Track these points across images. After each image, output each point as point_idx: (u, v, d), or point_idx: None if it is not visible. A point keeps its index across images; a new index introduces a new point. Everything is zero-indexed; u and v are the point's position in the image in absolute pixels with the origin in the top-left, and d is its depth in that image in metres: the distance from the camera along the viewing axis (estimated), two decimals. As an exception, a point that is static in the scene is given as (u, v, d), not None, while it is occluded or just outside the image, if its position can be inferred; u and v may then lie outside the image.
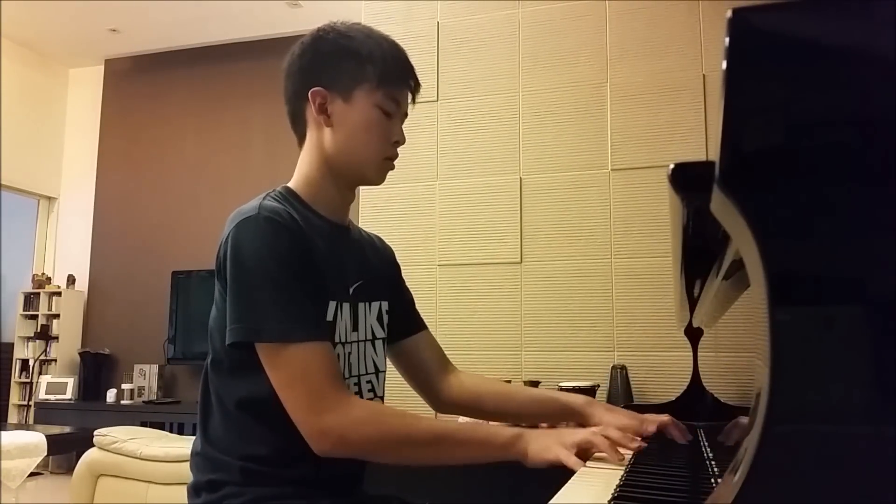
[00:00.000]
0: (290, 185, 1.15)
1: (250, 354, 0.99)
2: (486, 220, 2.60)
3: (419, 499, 1.23)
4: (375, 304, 1.20)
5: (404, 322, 1.29)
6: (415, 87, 1.17)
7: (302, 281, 1.00)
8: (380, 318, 1.21)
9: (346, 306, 1.12)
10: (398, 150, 1.16)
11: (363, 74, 1.11)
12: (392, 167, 1.17)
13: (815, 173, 0.42)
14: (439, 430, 1.01)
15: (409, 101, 1.18)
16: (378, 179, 1.16)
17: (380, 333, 1.21)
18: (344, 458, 0.99)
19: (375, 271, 1.24)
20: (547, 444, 0.97)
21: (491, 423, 1.34)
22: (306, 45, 1.14)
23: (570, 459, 0.94)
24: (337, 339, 1.09)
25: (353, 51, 1.11)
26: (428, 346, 1.33)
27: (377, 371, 1.19)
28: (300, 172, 1.15)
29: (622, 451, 0.99)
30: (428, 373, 1.31)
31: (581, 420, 1.21)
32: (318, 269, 1.05)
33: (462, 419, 1.45)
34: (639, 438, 1.04)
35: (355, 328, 1.14)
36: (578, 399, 1.25)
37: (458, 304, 2.59)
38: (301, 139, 1.16)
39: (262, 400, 1.00)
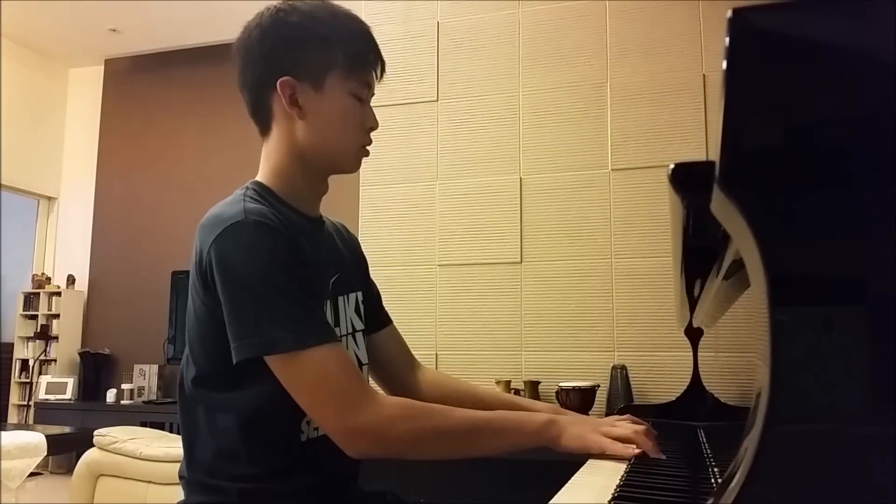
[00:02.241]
0: (260, 178, 1.08)
1: (242, 368, 0.94)
2: (486, 220, 2.60)
3: (414, 496, 1.23)
4: (352, 296, 1.15)
5: (373, 316, 1.24)
6: (381, 68, 1.10)
7: (303, 283, 0.96)
8: (357, 310, 1.16)
9: (328, 302, 1.08)
10: (372, 135, 1.10)
11: (333, 60, 1.04)
12: (367, 154, 1.11)
13: (815, 173, 0.42)
14: (475, 420, 0.97)
15: (376, 81, 1.11)
16: (353, 168, 1.11)
17: (359, 326, 1.16)
18: (379, 457, 0.94)
19: (348, 262, 1.20)
20: (583, 432, 0.95)
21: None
22: (266, 28, 1.05)
23: (627, 451, 0.92)
24: None
25: (321, 35, 1.04)
26: (395, 340, 1.29)
27: (360, 364, 1.15)
28: (269, 166, 1.08)
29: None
30: (394, 368, 1.27)
31: None
32: (309, 270, 1.01)
33: None
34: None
35: (337, 323, 1.09)
36: (544, 407, 1.24)
37: (458, 304, 2.59)
38: (265, 130, 1.09)
39: (254, 414, 0.96)
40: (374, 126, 1.10)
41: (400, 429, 0.92)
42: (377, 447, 0.93)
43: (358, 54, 1.06)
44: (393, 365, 1.27)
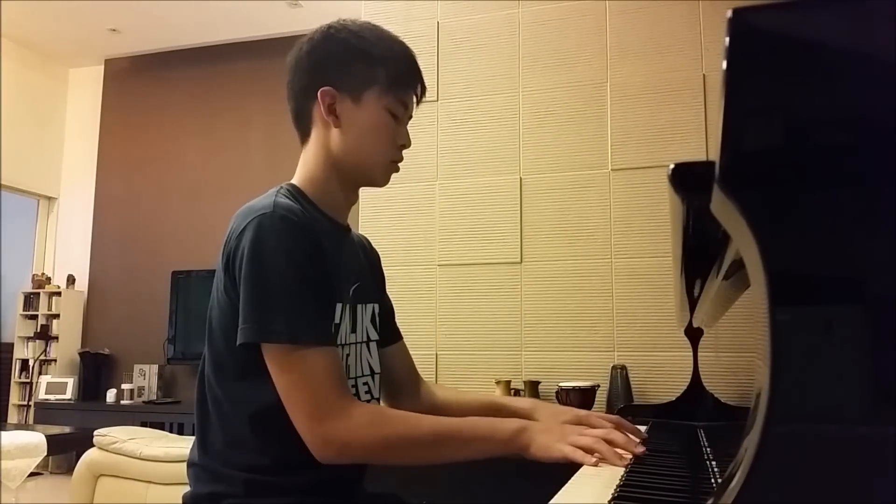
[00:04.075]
0: (295, 182, 1.13)
1: (257, 357, 0.97)
2: (486, 220, 2.60)
3: (417, 497, 1.23)
4: (370, 307, 1.20)
5: (386, 331, 1.27)
6: (422, 90, 1.17)
7: (315, 283, 0.99)
8: (373, 321, 1.21)
9: (346, 308, 1.11)
10: (403, 153, 1.16)
11: (374, 77, 1.10)
12: (397, 170, 1.17)
13: (815, 173, 0.42)
14: (444, 429, 0.99)
15: (415, 103, 1.17)
16: (383, 182, 1.16)
17: (374, 335, 1.20)
18: (348, 464, 0.97)
19: (368, 274, 1.24)
20: (550, 442, 0.96)
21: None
22: (316, 41, 1.12)
23: (587, 458, 0.93)
24: (338, 342, 1.09)
25: (365, 52, 1.10)
26: (403, 357, 1.32)
27: (373, 373, 1.18)
28: (305, 171, 1.14)
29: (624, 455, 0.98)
30: (400, 384, 1.30)
31: None
32: (328, 271, 1.04)
33: None
34: (640, 441, 1.04)
35: (354, 330, 1.13)
36: (525, 404, 1.25)
37: (458, 304, 2.59)
38: (304, 137, 1.15)
39: (267, 406, 0.98)
40: (406, 144, 1.16)
41: (366, 437, 0.96)
42: (345, 454, 0.96)
43: (398, 74, 1.13)
44: (398, 381, 1.30)
